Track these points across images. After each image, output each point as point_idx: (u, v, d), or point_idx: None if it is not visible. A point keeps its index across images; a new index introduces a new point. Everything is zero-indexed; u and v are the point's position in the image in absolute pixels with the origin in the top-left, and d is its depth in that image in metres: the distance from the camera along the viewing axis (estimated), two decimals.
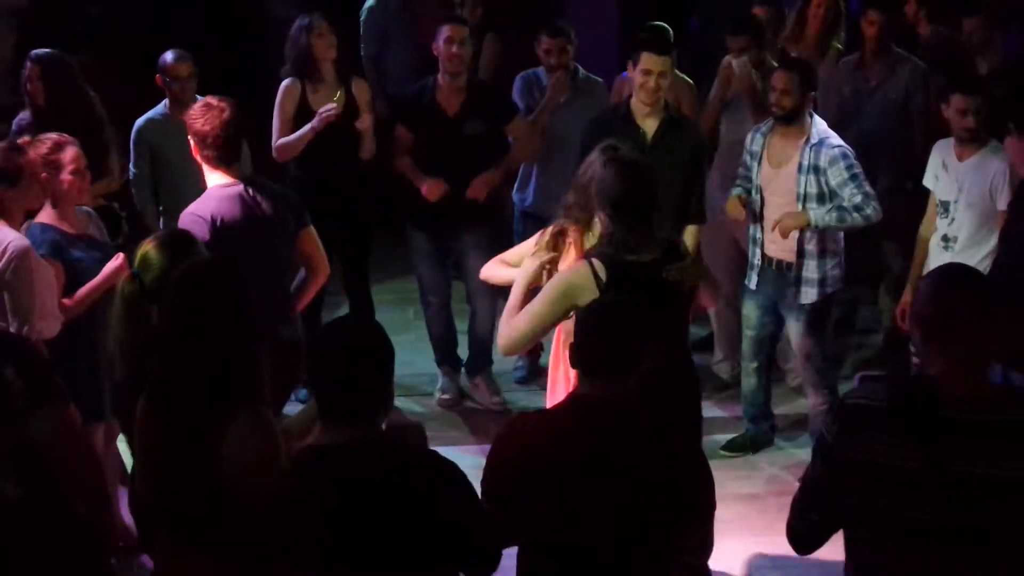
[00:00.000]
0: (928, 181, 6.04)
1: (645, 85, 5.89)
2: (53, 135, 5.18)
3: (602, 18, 9.28)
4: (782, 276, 6.10)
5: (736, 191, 6.19)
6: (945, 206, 5.87)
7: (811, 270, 6.02)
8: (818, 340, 6.14)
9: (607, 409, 3.50)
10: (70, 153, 5.10)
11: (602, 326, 3.56)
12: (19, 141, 5.09)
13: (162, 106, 6.56)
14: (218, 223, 4.97)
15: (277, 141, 6.76)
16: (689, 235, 5.86)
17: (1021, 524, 3.08)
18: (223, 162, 5.11)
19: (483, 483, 3.55)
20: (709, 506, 3.61)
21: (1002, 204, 5.64)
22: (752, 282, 6.23)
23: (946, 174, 5.90)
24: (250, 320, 3.56)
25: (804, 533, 3.29)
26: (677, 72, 7.41)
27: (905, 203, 6.72)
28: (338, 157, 6.73)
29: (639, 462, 3.44)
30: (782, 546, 3.38)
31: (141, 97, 6.69)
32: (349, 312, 7.24)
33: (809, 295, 6.05)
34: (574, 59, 7.08)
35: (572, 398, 3.61)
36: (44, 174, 5.00)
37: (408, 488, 3.16)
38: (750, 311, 6.33)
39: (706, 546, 3.65)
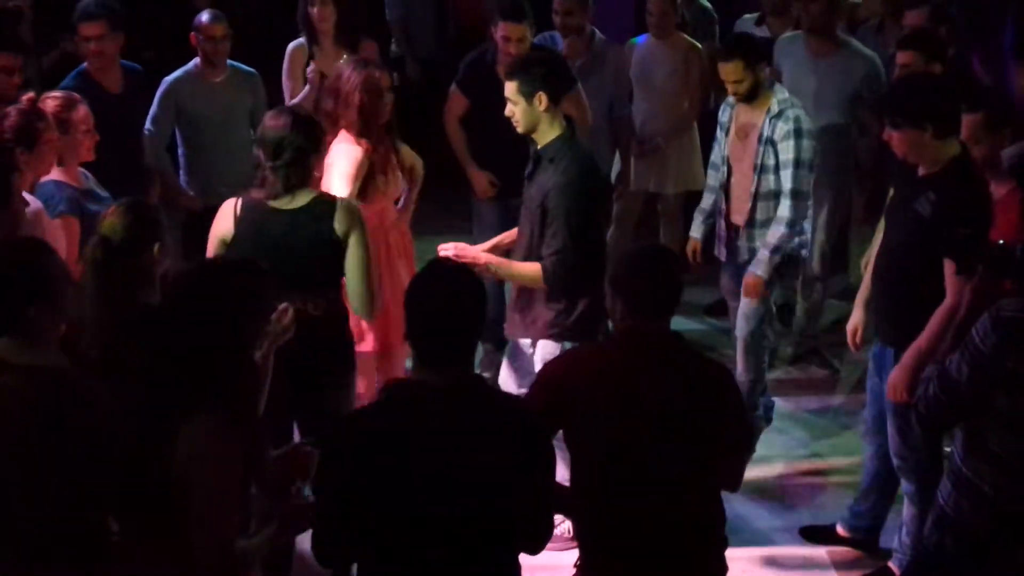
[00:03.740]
0: None
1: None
2: (60, 92, 5.22)
3: None
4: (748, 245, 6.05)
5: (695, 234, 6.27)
6: None
7: (760, 238, 5.94)
8: (758, 305, 5.99)
9: (656, 343, 3.63)
10: (81, 112, 5.16)
11: (648, 269, 3.66)
12: (23, 97, 5.10)
13: (192, 65, 6.58)
14: None
15: (291, 104, 6.79)
16: None
17: None
18: None
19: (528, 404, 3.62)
20: (745, 436, 3.82)
21: None
22: (722, 253, 6.22)
23: None
24: (234, 328, 3.41)
25: (934, 421, 3.80)
26: (686, 36, 7.47)
27: None
28: None
29: (685, 396, 3.57)
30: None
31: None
32: None
33: (757, 263, 5.91)
34: (591, 22, 7.07)
35: (622, 333, 3.71)
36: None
37: (502, 432, 3.20)
38: (727, 283, 6.30)
39: (740, 477, 3.80)
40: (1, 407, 3.36)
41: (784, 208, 5.81)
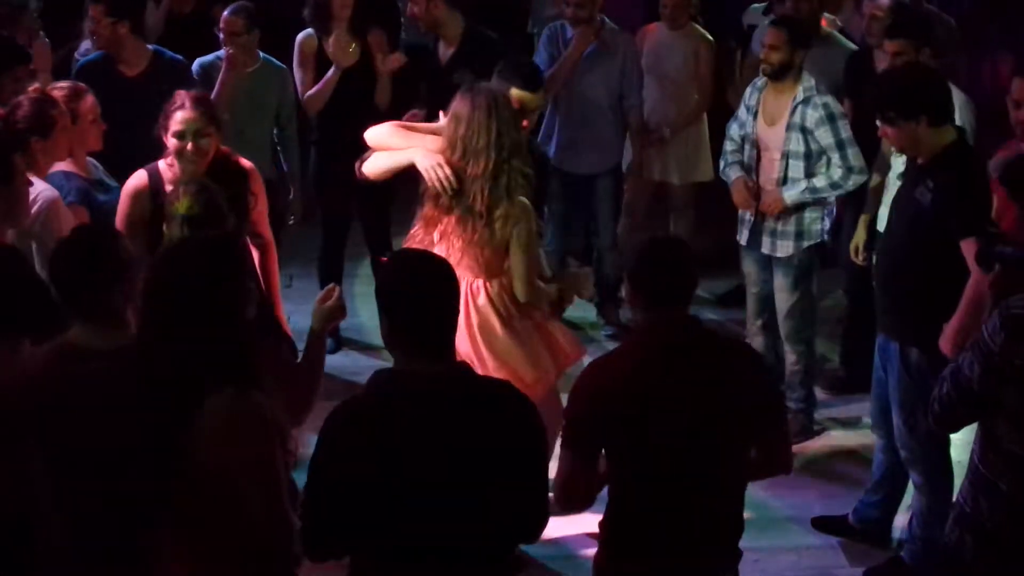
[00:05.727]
0: None
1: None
2: (66, 83, 5.20)
3: None
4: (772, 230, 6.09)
5: (735, 174, 6.13)
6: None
7: (788, 223, 6.01)
8: (800, 296, 6.10)
9: (676, 335, 3.62)
10: (88, 102, 5.15)
11: (663, 259, 3.66)
12: (31, 88, 5.08)
13: (224, 51, 6.55)
14: None
15: (304, 94, 6.80)
16: None
17: None
18: None
19: (565, 430, 3.62)
20: (780, 411, 3.80)
21: None
22: (743, 238, 6.22)
23: None
24: (243, 298, 3.40)
25: (948, 420, 3.74)
26: (697, 27, 7.44)
27: None
28: (356, 113, 6.67)
29: (712, 382, 3.57)
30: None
31: None
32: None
33: (784, 248, 6.04)
34: (600, 11, 7.05)
35: (642, 331, 3.71)
36: None
37: (494, 420, 3.18)
38: (749, 267, 6.32)
39: (789, 456, 3.83)
40: (105, 399, 3.27)
41: (836, 172, 5.90)
